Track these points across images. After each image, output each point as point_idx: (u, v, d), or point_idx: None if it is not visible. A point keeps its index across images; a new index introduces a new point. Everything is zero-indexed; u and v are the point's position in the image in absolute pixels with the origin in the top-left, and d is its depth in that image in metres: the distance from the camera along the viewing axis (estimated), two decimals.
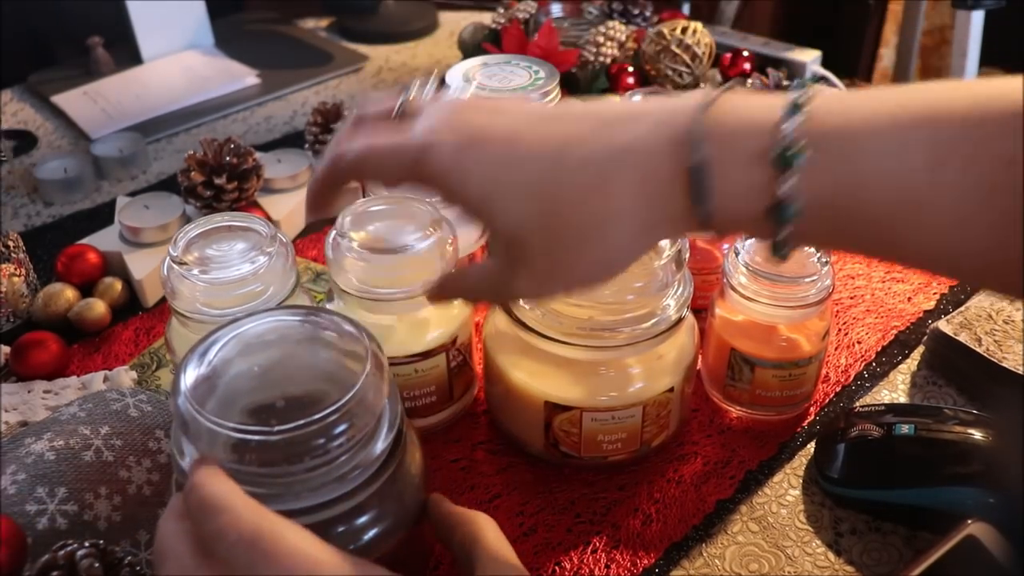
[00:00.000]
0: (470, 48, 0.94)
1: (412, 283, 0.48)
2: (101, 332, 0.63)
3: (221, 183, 0.68)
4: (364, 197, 0.52)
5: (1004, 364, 0.53)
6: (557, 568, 0.46)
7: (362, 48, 1.08)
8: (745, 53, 0.90)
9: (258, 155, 0.71)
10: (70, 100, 0.94)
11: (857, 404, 0.56)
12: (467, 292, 0.41)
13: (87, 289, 0.64)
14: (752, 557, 0.47)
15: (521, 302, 0.47)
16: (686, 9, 1.37)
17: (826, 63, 0.94)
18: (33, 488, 0.43)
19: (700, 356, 0.55)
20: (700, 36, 0.86)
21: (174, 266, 0.46)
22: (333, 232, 0.48)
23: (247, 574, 0.31)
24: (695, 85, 0.88)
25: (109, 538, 0.43)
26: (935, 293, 0.64)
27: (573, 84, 0.87)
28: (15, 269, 0.63)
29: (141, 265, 0.65)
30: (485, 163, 0.34)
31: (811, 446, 0.52)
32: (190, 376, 0.36)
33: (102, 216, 0.75)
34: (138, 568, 0.41)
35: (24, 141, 0.88)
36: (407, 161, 0.36)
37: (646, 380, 0.48)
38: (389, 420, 0.38)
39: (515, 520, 0.49)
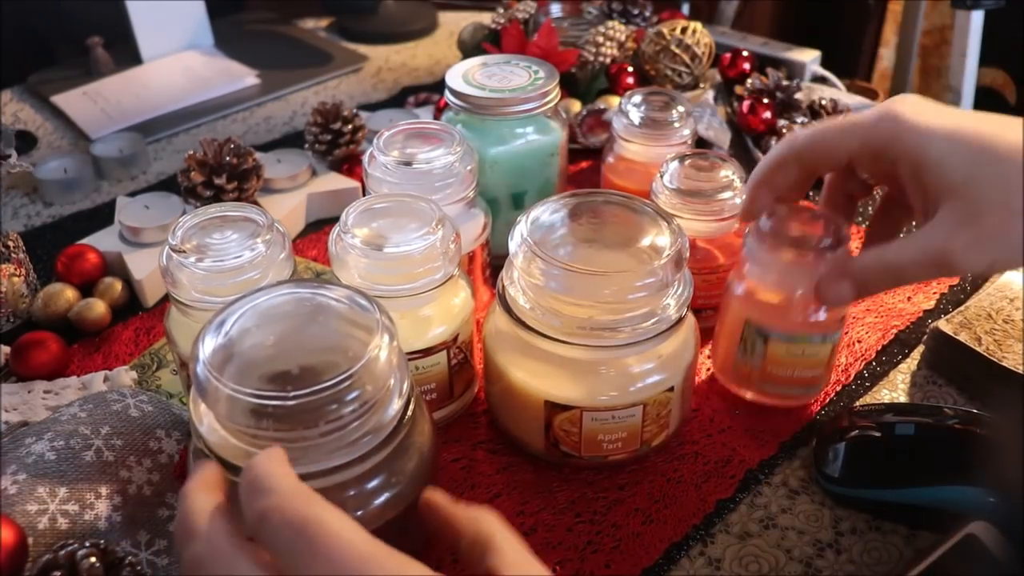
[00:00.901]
0: (470, 48, 0.94)
1: (414, 280, 0.48)
2: (101, 332, 0.63)
3: (221, 183, 0.68)
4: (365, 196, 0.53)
5: (1004, 364, 0.53)
6: (558, 568, 0.46)
7: (362, 48, 1.08)
8: (745, 53, 0.90)
9: (258, 155, 0.71)
10: (70, 100, 0.94)
11: (857, 403, 0.56)
12: (898, 275, 0.43)
13: (87, 289, 0.64)
14: (752, 557, 0.47)
15: (521, 301, 0.47)
16: (686, 9, 1.37)
17: (826, 63, 0.94)
18: (34, 488, 0.43)
19: (712, 342, 0.56)
20: (700, 36, 0.86)
21: (173, 255, 0.47)
22: (336, 229, 0.49)
23: (288, 560, 0.30)
24: (694, 85, 0.88)
25: (109, 538, 0.43)
26: (935, 293, 0.64)
27: (573, 84, 0.87)
28: (15, 269, 0.63)
29: (141, 265, 0.65)
30: (952, 127, 0.41)
31: (811, 446, 0.52)
32: (208, 345, 0.37)
33: (102, 216, 0.75)
34: (138, 568, 0.41)
35: (24, 141, 0.88)
36: (864, 130, 0.43)
37: (646, 380, 0.48)
38: (399, 389, 0.39)
39: (515, 520, 0.49)
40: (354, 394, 0.36)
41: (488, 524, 0.35)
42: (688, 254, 0.47)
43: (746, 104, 0.81)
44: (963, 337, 0.56)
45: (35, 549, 0.41)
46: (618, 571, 0.46)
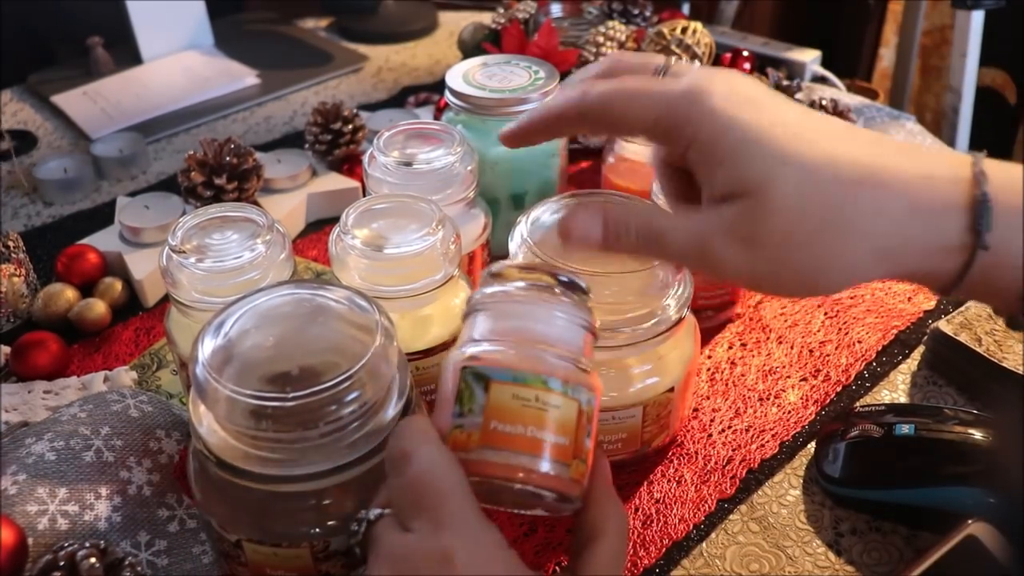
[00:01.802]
0: (470, 48, 0.94)
1: (414, 281, 0.48)
2: (101, 332, 0.63)
3: (221, 183, 0.68)
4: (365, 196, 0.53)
5: (1004, 364, 0.53)
6: (558, 568, 0.46)
7: (362, 48, 1.08)
8: (745, 53, 0.90)
9: (258, 155, 0.71)
10: (70, 100, 0.94)
11: (857, 404, 0.56)
12: (666, 251, 0.37)
13: (87, 289, 0.64)
14: (752, 557, 0.47)
15: None
16: (686, 9, 1.37)
17: (826, 63, 0.94)
18: (34, 488, 0.43)
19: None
20: (700, 36, 0.86)
21: (173, 255, 0.47)
22: (336, 229, 0.49)
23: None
24: None
25: (109, 538, 0.43)
26: None
27: None
28: (15, 269, 0.63)
29: (141, 265, 0.65)
30: (756, 123, 0.34)
31: (811, 446, 0.52)
32: (207, 346, 0.37)
33: (102, 216, 0.75)
34: (138, 568, 0.41)
35: (24, 141, 0.88)
36: (663, 103, 0.35)
37: (646, 380, 0.48)
38: (398, 389, 0.39)
39: (516, 519, 0.49)
40: (354, 395, 0.36)
41: (611, 522, 0.36)
42: None
43: None
44: (963, 337, 0.56)
45: (35, 549, 0.41)
46: None
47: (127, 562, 0.41)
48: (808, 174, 0.33)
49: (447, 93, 0.63)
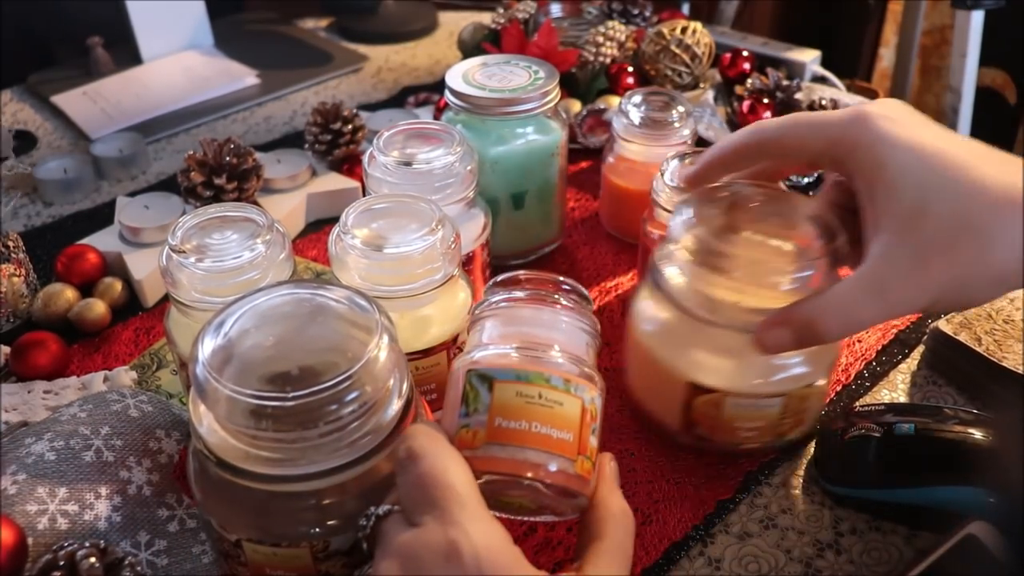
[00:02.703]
0: (469, 48, 0.94)
1: (414, 281, 0.48)
2: (101, 332, 0.63)
3: (221, 183, 0.68)
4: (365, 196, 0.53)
5: (1004, 364, 0.53)
6: (558, 568, 0.46)
7: (362, 48, 1.08)
8: (745, 53, 0.90)
9: (258, 155, 0.71)
10: (70, 100, 0.94)
11: (857, 404, 0.56)
12: (846, 319, 0.40)
13: (87, 289, 0.64)
14: (752, 557, 0.47)
15: (675, 281, 0.47)
16: (686, 9, 1.37)
17: (826, 63, 0.94)
18: (33, 488, 0.43)
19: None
20: (700, 36, 0.86)
21: (173, 255, 0.47)
22: (336, 229, 0.49)
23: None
24: (695, 85, 0.88)
25: (109, 538, 0.43)
26: None
27: (573, 84, 0.87)
28: (15, 269, 0.63)
29: (141, 265, 0.65)
30: (915, 142, 0.38)
31: (811, 446, 0.52)
32: (207, 346, 0.37)
33: (102, 216, 0.75)
34: (138, 568, 0.41)
35: (24, 141, 0.88)
36: (837, 128, 0.40)
37: (791, 371, 0.47)
38: (398, 389, 0.39)
39: (516, 519, 0.49)
40: (353, 395, 0.36)
41: (616, 521, 0.37)
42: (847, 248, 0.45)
43: (746, 104, 0.81)
44: (963, 337, 0.56)
45: (35, 549, 0.41)
46: None
47: (127, 562, 0.41)
48: (960, 196, 0.37)
49: (447, 93, 0.63)
